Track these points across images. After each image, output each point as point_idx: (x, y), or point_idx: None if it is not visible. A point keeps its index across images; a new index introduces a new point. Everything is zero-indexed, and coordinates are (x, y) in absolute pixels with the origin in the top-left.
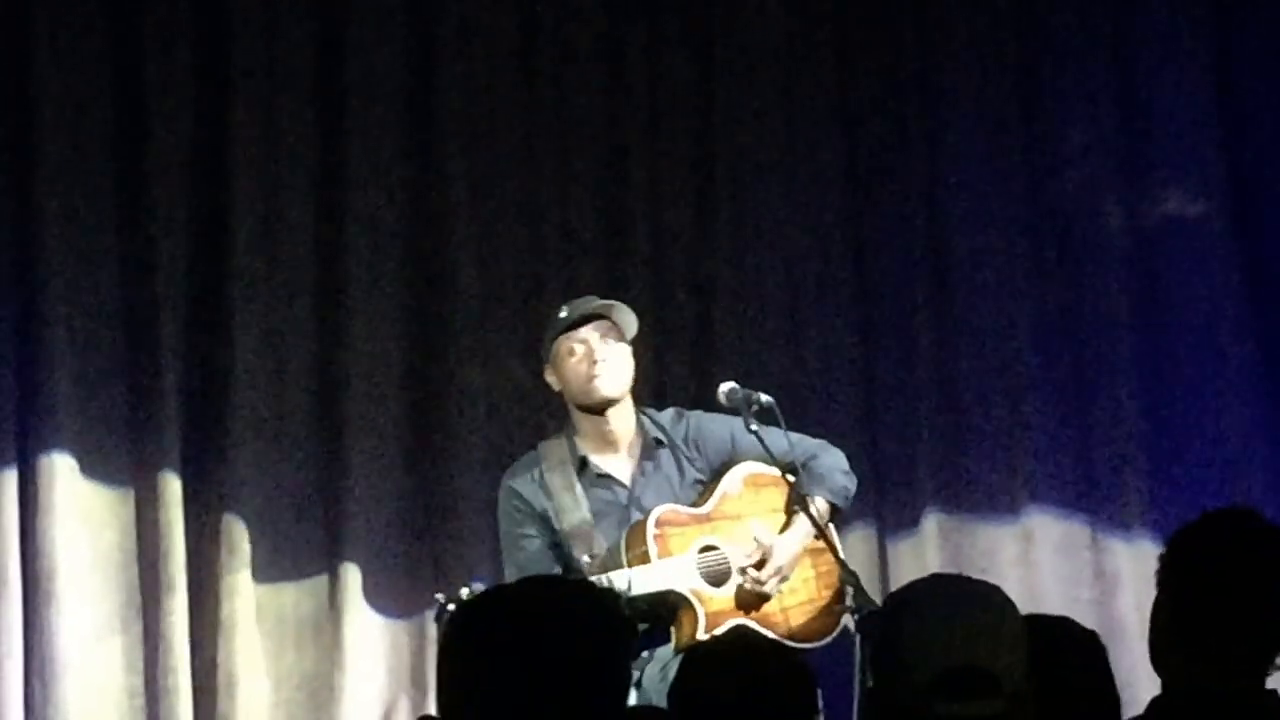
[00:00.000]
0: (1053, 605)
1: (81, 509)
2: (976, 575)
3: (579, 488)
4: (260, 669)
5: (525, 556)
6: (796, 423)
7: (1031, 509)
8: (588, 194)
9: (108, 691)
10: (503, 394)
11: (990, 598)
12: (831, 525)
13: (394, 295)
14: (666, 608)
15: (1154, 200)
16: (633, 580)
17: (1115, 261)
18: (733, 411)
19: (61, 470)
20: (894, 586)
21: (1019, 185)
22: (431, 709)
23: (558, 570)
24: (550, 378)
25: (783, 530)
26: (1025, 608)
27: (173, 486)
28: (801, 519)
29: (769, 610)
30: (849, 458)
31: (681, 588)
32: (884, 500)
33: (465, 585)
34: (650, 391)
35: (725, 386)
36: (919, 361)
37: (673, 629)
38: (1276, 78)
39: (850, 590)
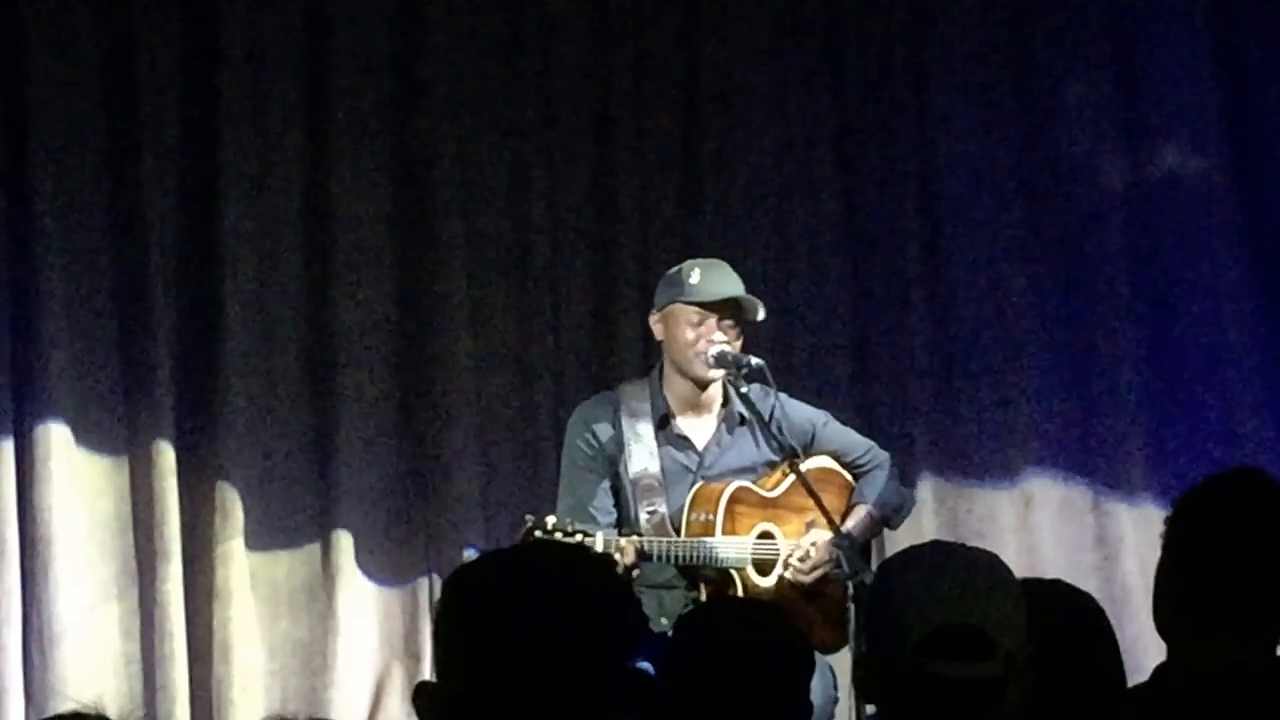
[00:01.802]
0: (1054, 571)
1: (77, 478)
2: (975, 541)
3: (654, 441)
4: (254, 636)
5: (585, 490)
6: (789, 387)
7: (1030, 473)
8: (574, 161)
9: (104, 658)
10: (492, 360)
11: (987, 561)
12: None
13: (382, 264)
14: (703, 577)
15: (1152, 157)
16: (695, 550)
17: (1113, 220)
18: (722, 371)
19: (57, 440)
20: (890, 553)
21: (1013, 144)
22: (425, 675)
23: (611, 513)
24: (656, 326)
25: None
26: (1025, 573)
27: (166, 455)
28: (851, 521)
29: (798, 610)
30: (842, 422)
31: (732, 568)
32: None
33: (553, 515)
34: (640, 361)
35: (715, 349)
36: (913, 324)
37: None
38: (1275, 30)
39: (842, 555)
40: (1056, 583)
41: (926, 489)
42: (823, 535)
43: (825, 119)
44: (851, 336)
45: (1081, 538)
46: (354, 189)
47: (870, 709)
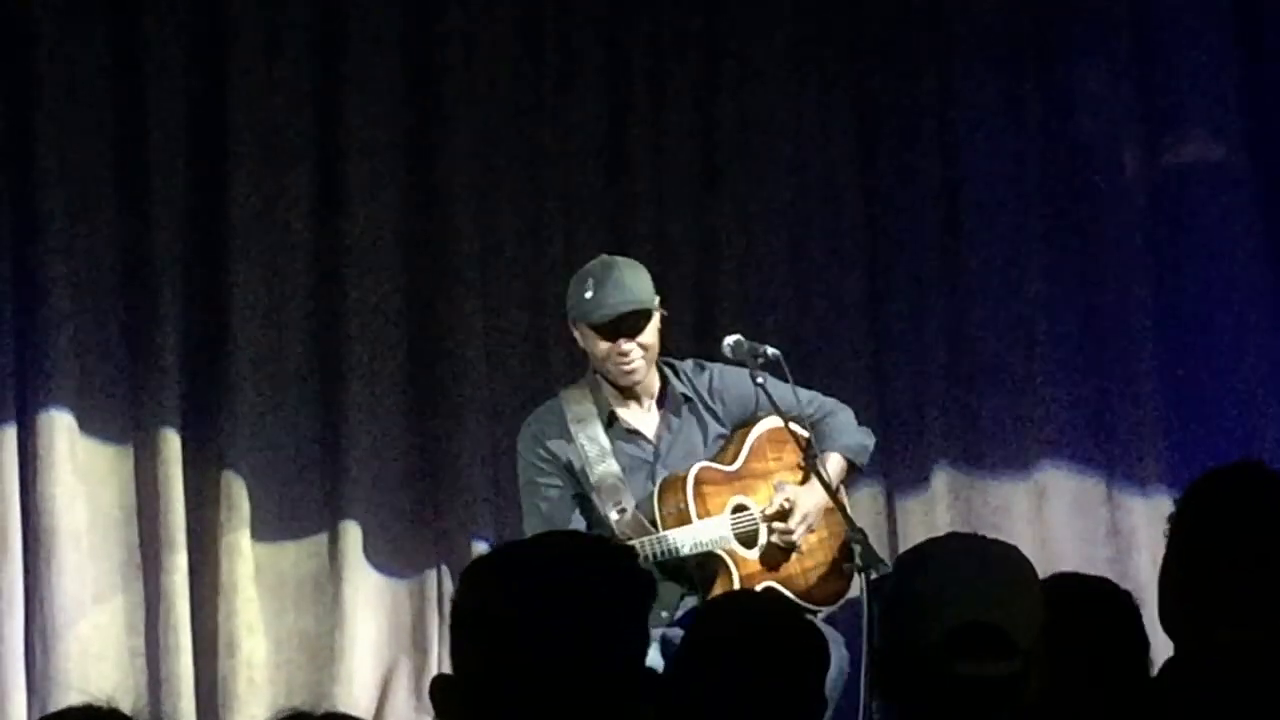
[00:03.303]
0: (1067, 563)
1: (81, 467)
2: (988, 533)
3: (606, 441)
4: (260, 628)
5: (549, 506)
6: (804, 377)
7: (1045, 465)
8: (589, 145)
9: (109, 650)
10: (503, 348)
11: (1007, 556)
12: (843, 487)
13: (393, 253)
14: (696, 567)
15: (1172, 147)
16: (678, 540)
17: (1132, 210)
18: (739, 364)
19: (61, 428)
20: (903, 545)
21: (1033, 132)
22: (432, 668)
23: (580, 521)
24: (575, 333)
25: (803, 484)
26: (1039, 567)
27: (172, 444)
28: (828, 469)
29: (791, 571)
30: (857, 412)
31: (718, 549)
32: (892, 456)
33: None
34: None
35: (730, 339)
36: (929, 314)
37: (697, 589)
38: None
39: (858, 548)
40: (1086, 577)
41: (940, 480)
42: (794, 490)
43: (844, 110)
44: (867, 327)
45: (1095, 530)
46: (364, 178)
47: None
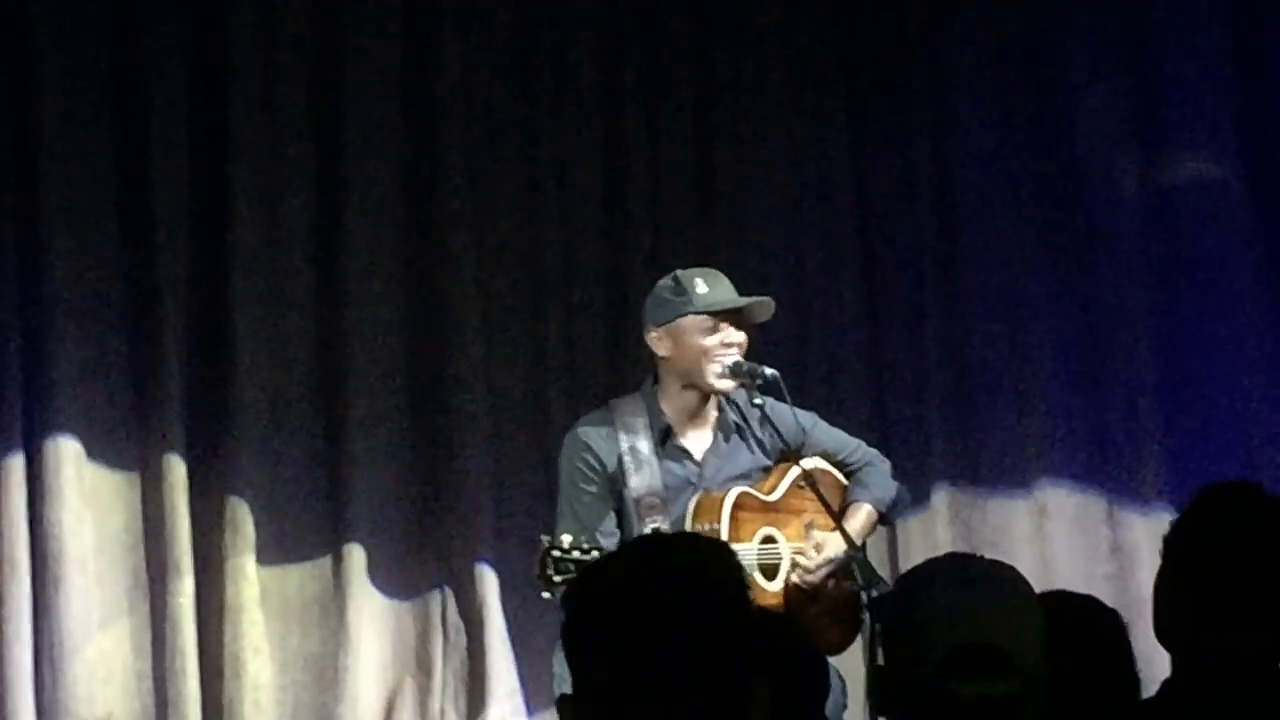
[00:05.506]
0: (1069, 581)
1: (87, 493)
2: (989, 551)
3: (653, 456)
4: (266, 651)
5: (587, 512)
6: (803, 397)
7: (1045, 483)
8: (587, 171)
9: (115, 674)
10: (504, 373)
11: (1007, 577)
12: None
13: (394, 276)
14: None
15: (1169, 163)
16: None
17: (1129, 227)
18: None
19: (67, 454)
20: (903, 563)
21: (1029, 149)
22: (437, 688)
23: (612, 525)
24: (659, 341)
25: (834, 530)
26: (1040, 584)
27: (177, 470)
28: (853, 521)
29: (803, 613)
30: (856, 432)
31: None
32: (892, 475)
33: (567, 533)
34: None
35: (730, 359)
36: (928, 332)
37: None
38: None
39: (856, 566)
40: (1074, 596)
41: (941, 499)
42: (824, 536)
43: (839, 126)
44: (866, 346)
45: (1096, 547)
46: (364, 201)
47: None
